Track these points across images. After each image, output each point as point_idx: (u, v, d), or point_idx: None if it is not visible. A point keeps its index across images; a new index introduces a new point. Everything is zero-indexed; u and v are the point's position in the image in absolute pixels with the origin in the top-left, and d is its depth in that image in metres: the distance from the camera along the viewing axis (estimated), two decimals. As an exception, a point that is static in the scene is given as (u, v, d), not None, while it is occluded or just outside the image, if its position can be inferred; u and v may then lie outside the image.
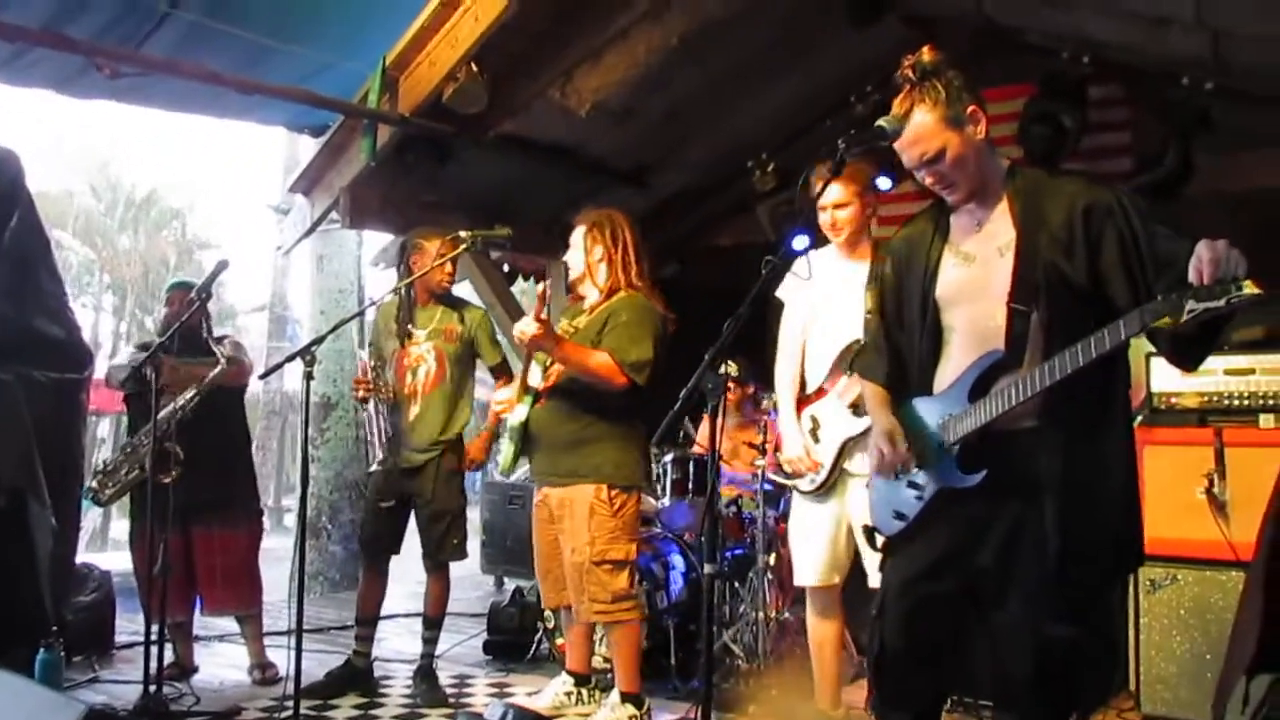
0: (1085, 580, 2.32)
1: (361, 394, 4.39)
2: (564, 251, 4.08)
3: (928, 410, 2.52)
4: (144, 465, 4.28)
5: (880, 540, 2.69)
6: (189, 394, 4.31)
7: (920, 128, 2.39)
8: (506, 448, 4.01)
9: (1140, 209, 2.30)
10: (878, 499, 2.68)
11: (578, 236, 3.99)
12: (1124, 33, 4.39)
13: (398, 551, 4.56)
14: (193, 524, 4.47)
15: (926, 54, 2.44)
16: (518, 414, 3.93)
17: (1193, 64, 4.36)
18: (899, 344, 2.65)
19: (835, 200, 3.54)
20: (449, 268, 4.41)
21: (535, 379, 3.93)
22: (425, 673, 4.43)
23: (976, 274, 2.44)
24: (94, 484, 4.54)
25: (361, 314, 4.42)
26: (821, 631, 3.71)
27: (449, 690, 4.41)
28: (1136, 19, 4.22)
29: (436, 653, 4.55)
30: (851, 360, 3.37)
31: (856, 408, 3.47)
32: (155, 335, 4.41)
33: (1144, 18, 4.17)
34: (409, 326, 4.45)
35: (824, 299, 3.62)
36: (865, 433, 3.40)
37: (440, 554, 4.43)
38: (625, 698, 3.82)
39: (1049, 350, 2.26)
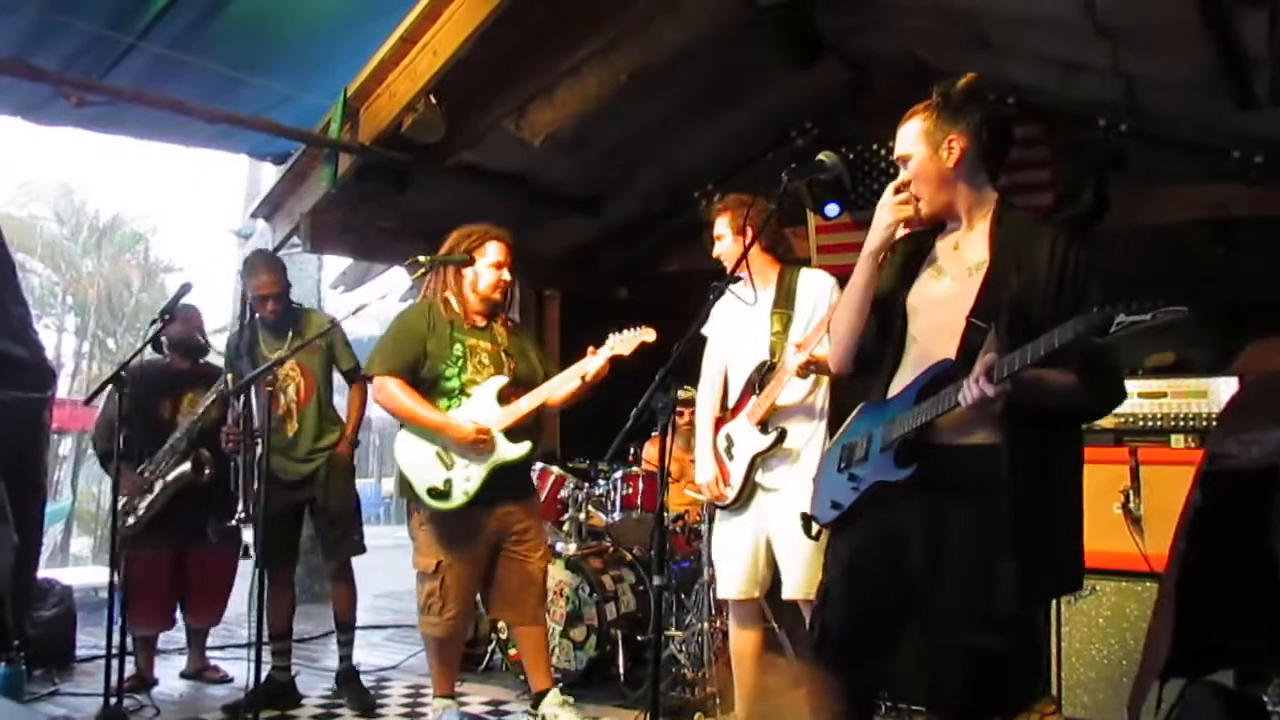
0: (1019, 596, 2.36)
1: (231, 446, 4.47)
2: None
3: (879, 412, 2.62)
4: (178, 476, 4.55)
5: (815, 529, 2.80)
6: (205, 402, 4.56)
7: (905, 130, 2.56)
8: (481, 478, 3.78)
9: (1089, 263, 2.40)
10: (819, 489, 2.80)
11: (503, 254, 4.00)
12: (1045, 78, 4.66)
13: (295, 561, 4.68)
14: (192, 540, 4.68)
15: (960, 84, 2.54)
16: (519, 449, 3.83)
17: (1109, 107, 4.64)
18: (869, 348, 2.72)
19: (715, 234, 3.80)
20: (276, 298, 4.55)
21: (494, 408, 3.84)
22: (346, 677, 4.54)
23: (944, 288, 2.55)
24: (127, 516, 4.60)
25: (325, 335, 4.46)
26: (742, 643, 3.80)
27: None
28: (1057, 65, 4.48)
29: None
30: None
31: (764, 424, 3.64)
32: (130, 353, 4.47)
33: (1063, 64, 4.44)
34: (262, 350, 4.54)
35: (735, 326, 3.77)
36: (771, 448, 3.61)
37: (339, 552, 4.55)
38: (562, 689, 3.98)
39: None
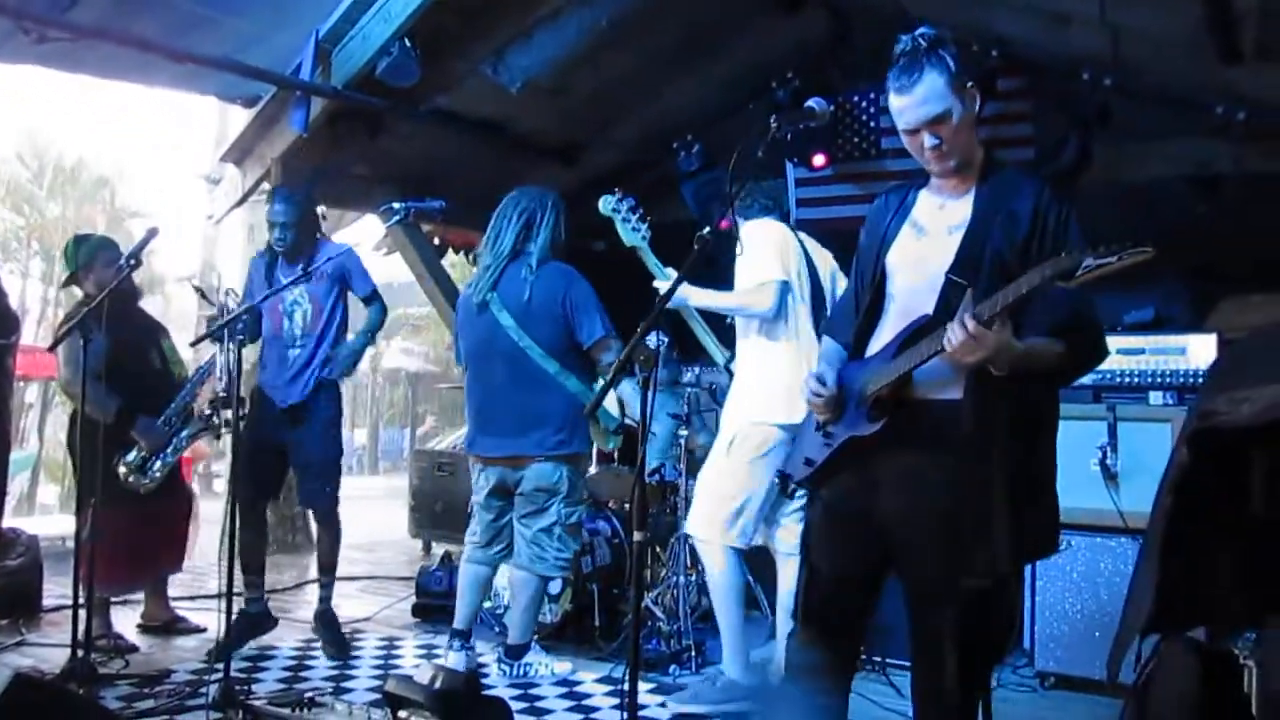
0: (1000, 557, 2.33)
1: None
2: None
3: (857, 371, 2.59)
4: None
5: (790, 487, 2.83)
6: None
7: (931, 86, 2.35)
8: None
9: (1071, 219, 2.36)
10: (797, 449, 2.80)
11: None
12: (1031, 29, 4.60)
13: (277, 498, 4.68)
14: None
15: (929, 29, 2.41)
16: None
17: (1094, 61, 4.58)
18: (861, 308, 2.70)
19: None
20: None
21: None
22: (325, 620, 4.53)
23: (924, 246, 2.52)
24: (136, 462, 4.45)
25: (299, 281, 4.36)
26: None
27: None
28: (1043, 15, 4.42)
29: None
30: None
31: None
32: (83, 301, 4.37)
33: (1050, 14, 4.37)
34: (278, 276, 4.44)
35: None
36: None
37: (316, 503, 4.55)
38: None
39: None
